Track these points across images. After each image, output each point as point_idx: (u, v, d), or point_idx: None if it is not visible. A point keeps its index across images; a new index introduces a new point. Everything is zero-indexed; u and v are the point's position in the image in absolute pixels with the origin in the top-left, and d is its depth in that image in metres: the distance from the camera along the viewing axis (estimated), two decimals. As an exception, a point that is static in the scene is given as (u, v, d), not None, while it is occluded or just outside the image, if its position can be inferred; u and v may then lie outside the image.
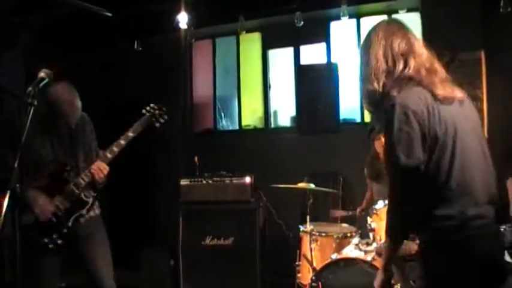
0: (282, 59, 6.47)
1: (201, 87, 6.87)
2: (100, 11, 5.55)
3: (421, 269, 2.03)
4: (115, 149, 3.11)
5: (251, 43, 6.57)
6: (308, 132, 5.93)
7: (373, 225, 3.56)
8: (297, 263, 4.14)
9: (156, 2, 5.49)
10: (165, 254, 5.23)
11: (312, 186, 4.24)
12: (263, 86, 6.51)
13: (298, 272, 4.10)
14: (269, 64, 6.51)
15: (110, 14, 5.63)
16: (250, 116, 6.63)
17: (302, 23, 5.53)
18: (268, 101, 6.50)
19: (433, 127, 1.88)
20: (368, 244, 3.64)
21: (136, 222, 6.17)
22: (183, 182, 5.07)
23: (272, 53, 6.51)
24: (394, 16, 5.79)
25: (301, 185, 4.32)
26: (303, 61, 6.27)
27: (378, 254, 3.38)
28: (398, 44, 2.01)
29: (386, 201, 2.57)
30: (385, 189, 3.06)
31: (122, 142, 3.12)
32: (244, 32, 6.00)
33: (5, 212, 2.13)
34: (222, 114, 6.80)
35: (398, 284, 3.24)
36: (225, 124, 6.82)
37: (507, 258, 3.51)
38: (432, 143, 1.88)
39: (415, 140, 1.86)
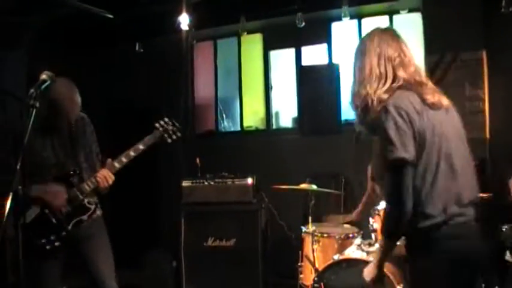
0: (283, 60, 6.48)
1: (203, 88, 6.87)
2: (101, 12, 5.55)
3: (409, 265, 2.19)
4: (124, 159, 3.11)
5: (252, 44, 6.57)
6: (310, 133, 5.91)
7: (375, 225, 3.56)
8: (299, 264, 4.12)
9: (157, 4, 5.50)
10: (167, 255, 5.24)
11: (314, 187, 4.23)
12: (264, 87, 6.52)
13: (301, 273, 4.09)
14: (270, 65, 6.51)
15: (111, 16, 5.64)
16: (252, 117, 6.63)
17: (303, 24, 5.53)
18: (269, 102, 6.50)
19: (423, 129, 1.98)
20: (370, 245, 3.63)
21: (139, 223, 6.18)
22: (185, 183, 5.07)
23: (273, 54, 6.51)
24: (395, 16, 5.81)
25: (303, 186, 4.30)
26: (305, 62, 6.26)
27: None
28: (392, 54, 2.12)
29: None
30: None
31: (132, 154, 3.12)
32: (246, 33, 6.01)
33: (8, 214, 2.14)
34: (224, 115, 6.81)
35: (401, 285, 3.23)
36: (226, 125, 6.83)
37: (507, 257, 3.51)
38: (421, 143, 1.97)
39: (408, 136, 1.96)
